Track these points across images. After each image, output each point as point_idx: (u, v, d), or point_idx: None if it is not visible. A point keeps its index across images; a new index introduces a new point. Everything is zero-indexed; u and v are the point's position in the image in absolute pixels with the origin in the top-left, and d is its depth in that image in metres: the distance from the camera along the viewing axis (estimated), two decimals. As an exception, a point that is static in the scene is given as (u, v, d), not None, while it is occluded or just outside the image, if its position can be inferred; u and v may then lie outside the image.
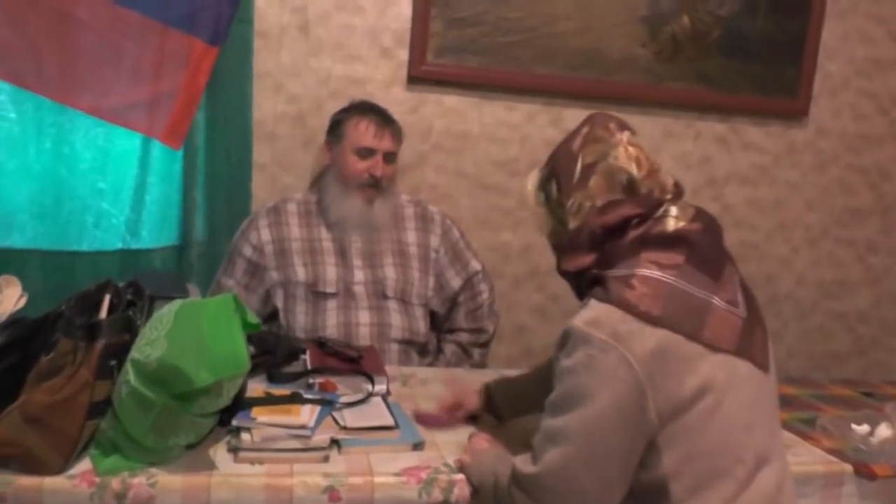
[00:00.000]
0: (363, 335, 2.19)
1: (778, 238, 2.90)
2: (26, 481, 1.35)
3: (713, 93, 2.73)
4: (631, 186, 1.37)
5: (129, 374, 1.38)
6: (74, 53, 2.24)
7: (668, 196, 1.39)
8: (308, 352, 1.92)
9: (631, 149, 1.39)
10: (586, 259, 1.39)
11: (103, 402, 1.41)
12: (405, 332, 2.24)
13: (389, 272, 2.26)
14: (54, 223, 2.36)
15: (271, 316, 2.27)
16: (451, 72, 2.55)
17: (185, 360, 1.34)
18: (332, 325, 2.18)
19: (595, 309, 1.30)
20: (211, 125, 2.42)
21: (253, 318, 1.51)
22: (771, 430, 1.36)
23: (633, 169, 1.37)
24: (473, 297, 2.40)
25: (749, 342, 1.33)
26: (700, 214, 1.38)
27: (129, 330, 1.46)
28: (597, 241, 1.37)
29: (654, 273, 1.30)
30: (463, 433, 1.66)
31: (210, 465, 1.45)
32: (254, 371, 1.81)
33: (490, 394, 1.76)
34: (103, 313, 1.52)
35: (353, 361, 1.87)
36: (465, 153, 2.64)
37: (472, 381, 1.93)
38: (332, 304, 2.20)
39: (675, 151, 2.77)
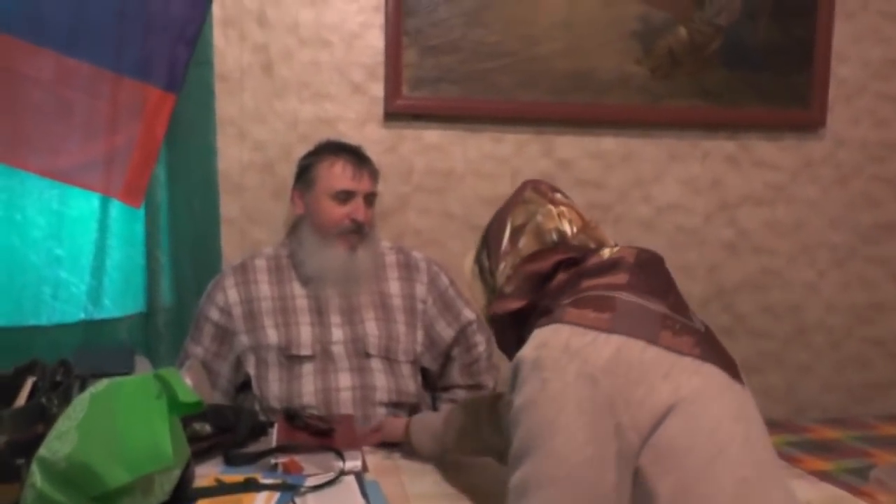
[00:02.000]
0: (345, 401, 1.96)
1: (801, 262, 2.65)
2: None
3: (718, 108, 2.51)
4: (562, 241, 1.29)
5: (36, 476, 1.16)
6: (20, 111, 2.08)
7: (607, 247, 1.28)
8: (276, 426, 1.70)
9: (562, 207, 1.33)
10: (515, 303, 1.27)
11: (11, 509, 1.20)
12: (392, 394, 2.00)
13: (371, 328, 2.04)
14: (8, 297, 2.16)
15: (244, 385, 2.06)
16: (430, 104, 2.35)
17: (95, 455, 1.12)
18: (308, 393, 1.95)
19: (539, 334, 1.16)
20: (173, 179, 2.22)
21: (189, 396, 1.29)
22: (766, 445, 1.14)
23: (565, 226, 1.31)
24: (468, 350, 2.17)
25: (713, 352, 1.16)
26: (641, 249, 1.26)
27: (44, 419, 1.25)
28: (526, 289, 1.27)
29: (598, 293, 1.18)
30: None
31: (144, 578, 1.23)
32: (209, 453, 1.61)
33: (410, 427, 1.70)
34: (22, 401, 1.33)
35: (324, 435, 1.64)
36: (451, 192, 2.43)
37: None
38: (308, 369, 1.98)
39: (682, 175, 2.54)
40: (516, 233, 1.32)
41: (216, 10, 2.22)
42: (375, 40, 2.33)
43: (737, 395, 1.14)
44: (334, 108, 2.34)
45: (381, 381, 2.00)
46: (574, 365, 1.08)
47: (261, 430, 1.71)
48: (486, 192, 2.44)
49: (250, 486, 1.39)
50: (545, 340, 1.13)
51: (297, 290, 2.06)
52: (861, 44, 2.62)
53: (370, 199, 2.08)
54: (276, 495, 1.38)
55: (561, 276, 1.23)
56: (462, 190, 2.43)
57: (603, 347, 1.09)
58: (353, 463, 1.54)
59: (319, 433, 1.65)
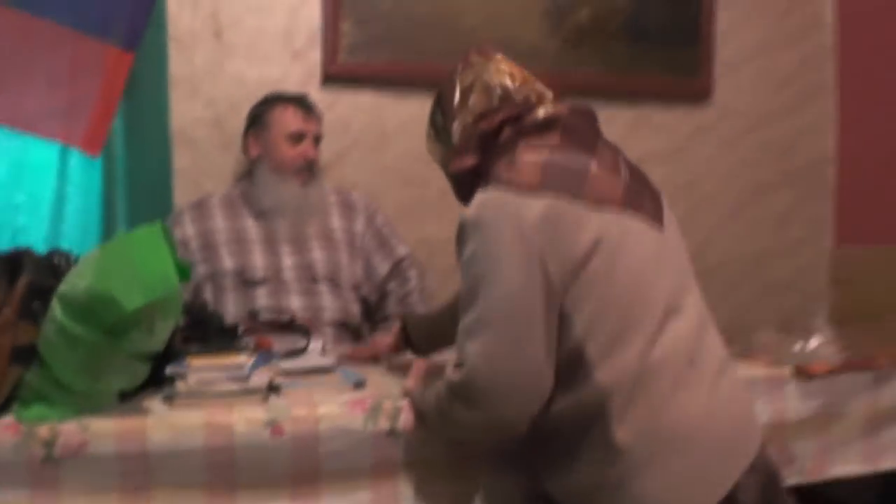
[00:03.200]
0: (296, 320, 2.16)
1: (698, 215, 2.97)
2: (-61, 435, 1.28)
3: (620, 77, 2.83)
4: (506, 96, 1.46)
5: (56, 310, 1.33)
6: (-16, 67, 2.22)
7: (546, 101, 1.47)
8: (240, 325, 1.88)
9: (503, 65, 1.51)
10: (469, 160, 1.44)
11: (28, 347, 1.36)
12: (338, 314, 2.22)
13: (318, 256, 2.25)
14: (-34, 241, 2.29)
15: (201, 312, 2.23)
16: (364, 69, 2.59)
17: (113, 285, 1.30)
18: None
19: (480, 196, 1.35)
20: (129, 132, 2.39)
21: (183, 262, 1.48)
22: (678, 283, 1.37)
23: (507, 80, 1.47)
24: (402, 284, 2.39)
25: (636, 200, 1.37)
26: (573, 104, 1.46)
27: (55, 275, 1.42)
28: (478, 147, 1.44)
29: (531, 154, 1.37)
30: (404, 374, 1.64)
31: (145, 411, 1.41)
32: (186, 344, 1.78)
33: (406, 328, 1.80)
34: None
35: (286, 325, 1.85)
36: (385, 149, 2.67)
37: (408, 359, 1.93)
38: (261, 291, 2.18)
39: (589, 137, 2.84)
40: (466, 92, 1.48)
41: (170, -23, 2.42)
42: (314, 10, 2.57)
43: (653, 239, 1.37)
44: (277, 71, 2.56)
45: (328, 301, 2.22)
46: (509, 223, 1.29)
47: (226, 329, 1.88)
48: (416, 150, 2.64)
49: (231, 346, 1.58)
50: (484, 202, 1.33)
51: (250, 223, 2.26)
52: (739, 27, 2.99)
53: (317, 140, 2.32)
54: (253, 358, 1.56)
55: (505, 133, 1.41)
56: (394, 147, 2.67)
57: (534, 207, 1.29)
58: (316, 343, 1.75)
59: (283, 325, 1.85)
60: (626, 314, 1.29)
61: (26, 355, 1.36)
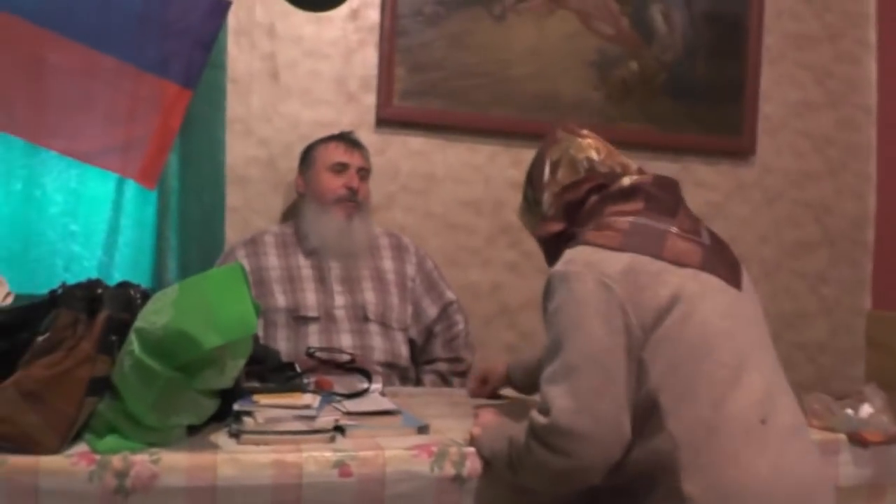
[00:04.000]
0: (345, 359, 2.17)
1: (735, 272, 2.99)
2: (20, 461, 1.29)
3: (665, 133, 2.87)
4: (591, 168, 1.54)
5: (134, 345, 1.35)
6: (47, 98, 2.27)
7: (630, 172, 1.55)
8: (297, 363, 1.90)
9: (589, 140, 1.59)
10: (556, 226, 1.54)
11: (102, 379, 1.37)
12: (388, 355, 2.24)
13: (369, 296, 2.28)
14: (22, 268, 2.32)
15: (251, 348, 2.25)
16: (416, 114, 2.64)
17: (192, 324, 1.32)
18: (314, 351, 2.17)
19: (568, 254, 1.43)
20: (184, 168, 2.43)
21: (255, 302, 1.50)
22: (753, 341, 1.41)
23: (593, 154, 1.56)
24: (450, 327, 2.41)
25: (714, 263, 1.42)
26: (657, 175, 1.54)
27: (129, 309, 1.44)
28: (565, 214, 1.53)
29: (616, 218, 1.45)
30: (468, 420, 1.65)
31: (214, 447, 1.42)
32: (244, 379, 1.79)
33: (509, 369, 1.91)
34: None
35: (345, 364, 1.86)
36: (432, 194, 2.70)
37: (457, 397, 1.94)
38: (313, 329, 2.20)
39: (632, 190, 2.87)
40: (554, 167, 1.56)
41: (231, 20, 2.46)
42: (370, 55, 2.62)
43: (729, 297, 1.41)
44: (331, 114, 2.61)
45: (378, 342, 2.23)
46: (593, 275, 1.34)
47: (285, 366, 1.89)
48: (462, 196, 2.72)
49: (297, 385, 1.60)
50: (571, 258, 1.41)
51: (302, 261, 2.29)
52: (781, 86, 3.04)
53: (363, 173, 2.36)
54: (318, 398, 1.58)
55: (591, 201, 1.49)
56: (441, 193, 2.71)
57: (616, 261, 1.36)
58: (376, 385, 1.76)
59: (341, 364, 1.86)
60: (698, 367, 1.32)
61: (100, 387, 1.37)
